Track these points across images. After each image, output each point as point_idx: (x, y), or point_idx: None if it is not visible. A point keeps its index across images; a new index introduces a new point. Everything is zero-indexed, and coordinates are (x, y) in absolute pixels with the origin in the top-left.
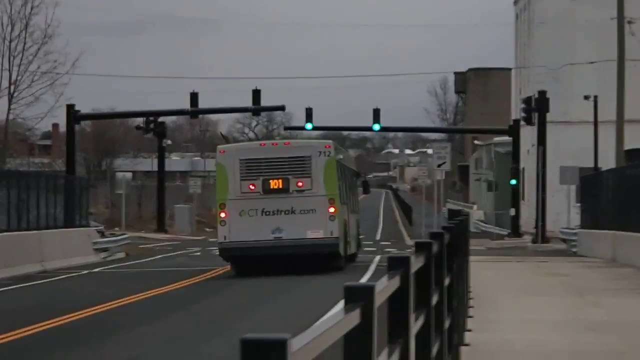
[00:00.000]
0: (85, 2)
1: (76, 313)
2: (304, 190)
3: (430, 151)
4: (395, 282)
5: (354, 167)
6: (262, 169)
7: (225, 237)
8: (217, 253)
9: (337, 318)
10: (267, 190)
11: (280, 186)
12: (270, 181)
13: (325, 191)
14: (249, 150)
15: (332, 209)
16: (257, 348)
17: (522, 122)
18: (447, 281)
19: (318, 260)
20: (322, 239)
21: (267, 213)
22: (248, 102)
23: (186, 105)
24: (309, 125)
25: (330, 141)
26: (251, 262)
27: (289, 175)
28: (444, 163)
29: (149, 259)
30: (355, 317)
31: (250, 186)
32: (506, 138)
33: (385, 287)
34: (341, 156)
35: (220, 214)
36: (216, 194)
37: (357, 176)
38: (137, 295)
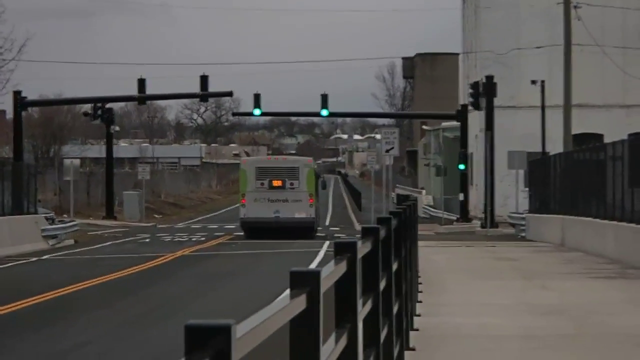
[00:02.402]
0: None
1: (25, 300)
2: (294, 187)
3: (378, 136)
4: (342, 268)
5: (318, 173)
6: (269, 173)
7: (244, 215)
8: (239, 225)
9: (282, 303)
10: (271, 187)
11: (280, 184)
12: (274, 181)
13: (307, 189)
14: (262, 162)
15: (311, 200)
16: (202, 334)
17: (469, 107)
18: (395, 266)
19: (301, 231)
20: (305, 218)
21: (271, 200)
22: (196, 88)
23: (134, 91)
24: (257, 111)
25: (310, 157)
26: (259, 231)
27: (285, 177)
28: (392, 148)
29: (99, 245)
30: (301, 303)
31: (261, 183)
32: (454, 123)
33: (331, 273)
34: (315, 166)
35: (242, 200)
36: (240, 188)
37: (318, 177)
38: (87, 281)
